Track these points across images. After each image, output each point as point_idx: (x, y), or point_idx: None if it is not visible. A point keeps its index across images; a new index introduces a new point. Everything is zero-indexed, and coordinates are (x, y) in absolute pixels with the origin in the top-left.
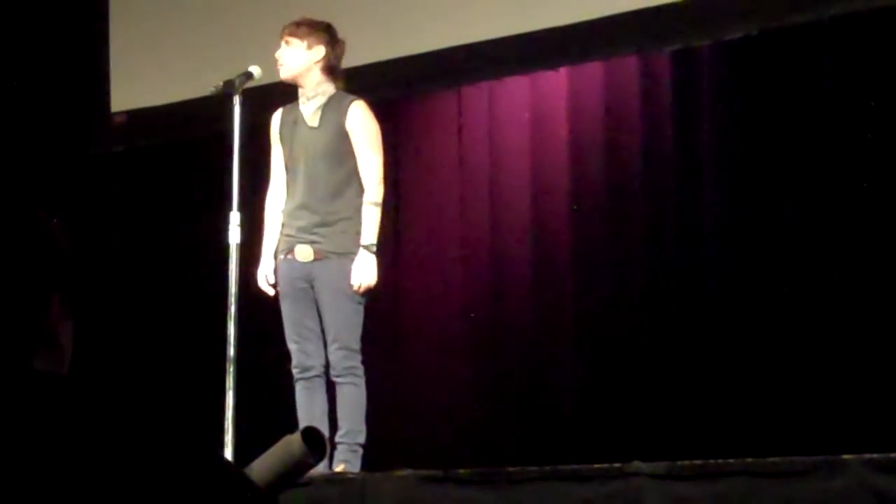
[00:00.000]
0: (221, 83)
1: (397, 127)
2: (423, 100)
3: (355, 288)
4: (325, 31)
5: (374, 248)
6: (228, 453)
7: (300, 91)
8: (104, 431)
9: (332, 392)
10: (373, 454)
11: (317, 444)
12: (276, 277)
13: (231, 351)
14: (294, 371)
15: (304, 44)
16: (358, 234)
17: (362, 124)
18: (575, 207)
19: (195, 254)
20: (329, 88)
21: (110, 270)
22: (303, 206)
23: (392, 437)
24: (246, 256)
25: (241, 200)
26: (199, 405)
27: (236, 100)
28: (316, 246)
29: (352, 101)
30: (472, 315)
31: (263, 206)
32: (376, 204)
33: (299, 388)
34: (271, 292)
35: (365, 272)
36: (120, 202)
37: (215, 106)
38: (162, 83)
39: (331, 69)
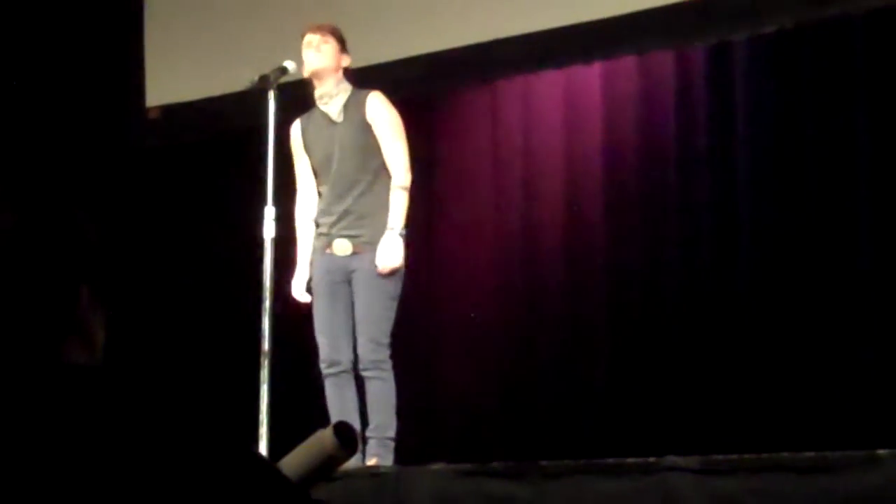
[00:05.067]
0: (256, 78)
1: (432, 121)
2: (458, 94)
3: (380, 269)
4: (345, 43)
5: (402, 232)
6: (263, 448)
7: (318, 94)
8: (137, 424)
9: (362, 387)
10: (407, 447)
11: (349, 439)
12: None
13: (266, 345)
14: (322, 366)
15: (339, 47)
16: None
17: (382, 114)
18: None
19: (230, 248)
20: (348, 86)
21: (145, 264)
22: (337, 203)
23: (426, 431)
24: (281, 251)
25: (276, 195)
26: (233, 399)
27: (271, 94)
28: (354, 240)
29: (368, 93)
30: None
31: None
32: (404, 188)
33: (328, 385)
34: (307, 299)
35: (391, 254)
36: (155, 196)
37: (250, 101)
38: (197, 78)
39: (346, 73)
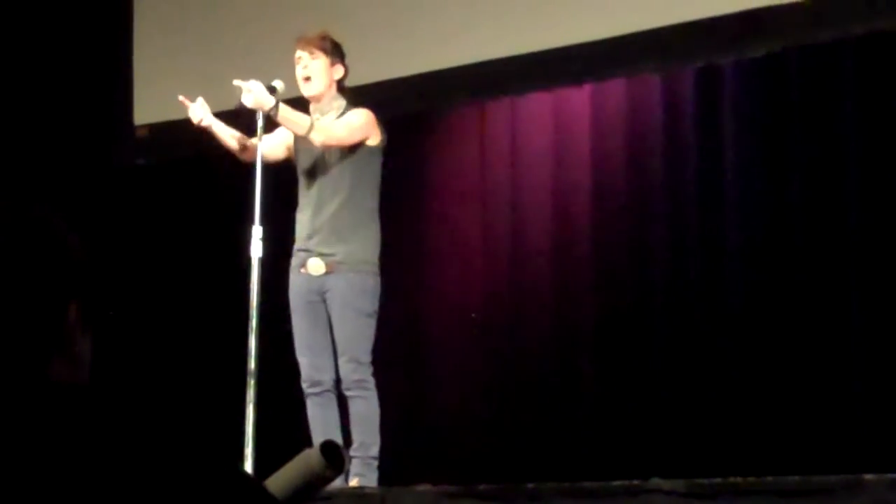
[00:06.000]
0: None
1: (421, 141)
2: (447, 114)
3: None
4: (340, 51)
5: (276, 103)
6: (249, 466)
7: (313, 106)
8: (123, 443)
9: (344, 405)
10: (392, 468)
11: (336, 458)
12: (289, 292)
13: (252, 364)
14: (304, 386)
15: (329, 60)
16: (369, 246)
17: (352, 116)
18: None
19: (217, 267)
20: (342, 103)
21: (131, 283)
22: (315, 217)
23: (411, 451)
24: (268, 270)
25: (264, 214)
26: (219, 418)
27: (259, 114)
28: (328, 259)
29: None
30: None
31: (286, 221)
32: (320, 126)
33: (310, 404)
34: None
35: (257, 95)
36: (142, 215)
37: (238, 120)
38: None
39: (342, 87)
